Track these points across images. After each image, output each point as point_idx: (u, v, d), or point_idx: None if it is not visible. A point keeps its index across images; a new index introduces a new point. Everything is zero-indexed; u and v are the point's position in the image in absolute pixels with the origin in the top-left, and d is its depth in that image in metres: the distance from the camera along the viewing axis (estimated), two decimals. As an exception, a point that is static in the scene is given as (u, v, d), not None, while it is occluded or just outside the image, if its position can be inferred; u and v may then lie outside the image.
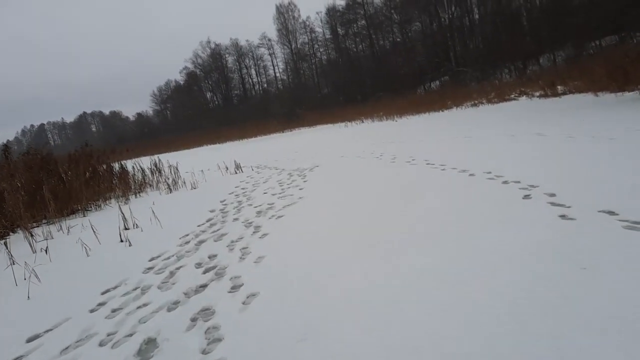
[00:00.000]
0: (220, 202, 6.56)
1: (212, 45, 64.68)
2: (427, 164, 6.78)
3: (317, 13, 59.56)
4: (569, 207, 3.46)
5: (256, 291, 2.86)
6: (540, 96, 17.86)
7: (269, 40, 63.33)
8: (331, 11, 55.84)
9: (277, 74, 65.46)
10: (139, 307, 2.97)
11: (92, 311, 3.03)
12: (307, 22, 60.18)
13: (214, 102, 67.51)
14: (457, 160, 6.64)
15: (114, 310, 2.99)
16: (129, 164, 11.18)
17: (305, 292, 2.71)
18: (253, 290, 2.88)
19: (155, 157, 13.37)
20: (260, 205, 5.74)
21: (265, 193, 6.69)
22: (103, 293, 3.36)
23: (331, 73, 54.83)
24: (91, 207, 7.88)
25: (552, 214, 3.36)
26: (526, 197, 3.97)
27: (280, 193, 6.44)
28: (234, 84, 66.15)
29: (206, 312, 2.68)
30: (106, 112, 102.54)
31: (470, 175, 5.38)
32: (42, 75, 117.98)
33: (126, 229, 5.64)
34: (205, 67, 66.08)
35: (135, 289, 3.35)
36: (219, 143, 33.46)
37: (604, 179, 4.13)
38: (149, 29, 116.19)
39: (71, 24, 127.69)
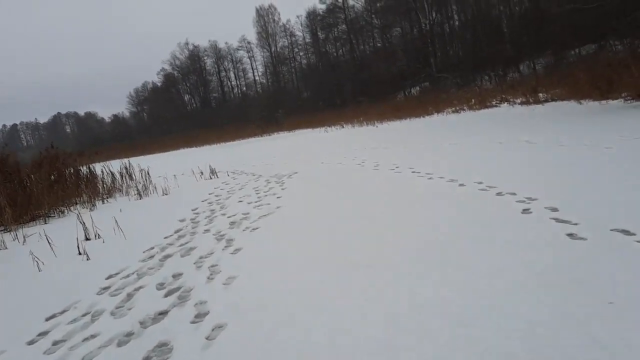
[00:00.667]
0: (192, 210, 6.12)
1: (191, 47, 63.83)
2: (413, 172, 6.46)
3: (298, 17, 59.19)
4: (576, 224, 3.14)
5: (223, 322, 2.45)
6: (521, 103, 17.82)
7: (249, 43, 62.78)
8: (311, 15, 55.57)
9: (257, 78, 64.92)
10: (85, 340, 2.53)
11: (30, 343, 2.59)
12: (287, 26, 59.88)
13: (192, 104, 66.52)
14: (445, 168, 6.34)
15: (55, 343, 2.55)
16: (100, 167, 10.62)
17: (282, 326, 2.31)
18: (220, 321, 2.47)
19: (127, 160, 12.85)
20: (234, 215, 5.33)
21: (240, 201, 6.27)
22: (48, 319, 2.91)
23: (311, 77, 54.49)
24: (54, 213, 7.34)
25: (558, 232, 3.04)
26: (525, 211, 3.65)
27: (256, 202, 6.03)
28: (212, 86, 65.33)
29: (162, 349, 2.26)
30: (81, 113, 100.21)
31: (461, 185, 5.07)
32: (14, 74, 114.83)
33: (87, 239, 5.17)
34: (183, 69, 65.10)
35: (85, 314, 2.91)
36: (196, 146, 32.77)
37: (610, 192, 3.85)
38: (125, 29, 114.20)
39: (44, 24, 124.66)
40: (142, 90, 72.86)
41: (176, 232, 4.92)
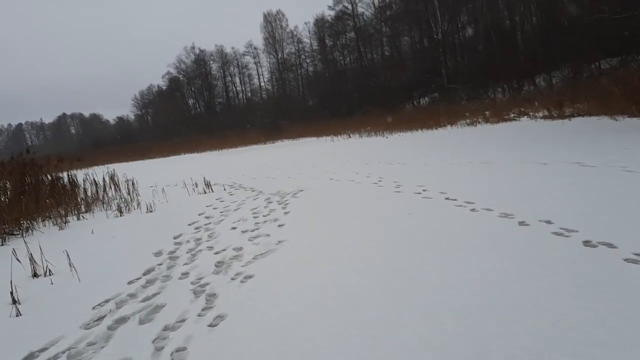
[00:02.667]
0: (174, 238, 4.97)
1: (197, 51, 62.94)
2: (447, 198, 5.29)
3: (306, 23, 58.27)
4: None
5: None
6: (544, 117, 16.66)
7: (255, 48, 61.91)
8: (320, 22, 54.72)
9: (262, 84, 64.01)
10: None
11: None
12: (295, 32, 59.04)
13: (197, 109, 65.59)
14: (487, 195, 5.16)
15: None
16: (86, 175, 9.50)
17: None
18: None
19: (117, 166, 11.79)
20: (223, 251, 4.17)
21: (233, 228, 5.11)
22: None
23: (317, 85, 53.53)
24: (18, 231, 6.20)
25: None
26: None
27: (252, 230, 4.87)
28: (217, 91, 64.41)
29: None
30: (86, 114, 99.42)
31: (522, 224, 3.88)
32: (21, 73, 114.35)
33: (35, 275, 4.03)
34: (188, 73, 64.20)
35: None
36: (197, 152, 31.68)
37: None
38: (132, 32, 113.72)
39: (50, 25, 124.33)
40: (147, 93, 72.19)
41: (146, 273, 3.76)
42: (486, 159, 8.34)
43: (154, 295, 3.20)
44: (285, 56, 59.45)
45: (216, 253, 4.13)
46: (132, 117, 75.39)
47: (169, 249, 4.51)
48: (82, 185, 8.82)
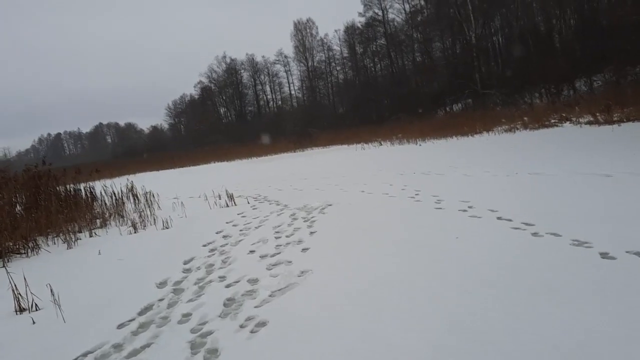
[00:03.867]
0: (184, 263, 4.36)
1: (228, 60, 63.47)
2: (499, 218, 4.48)
3: (336, 31, 57.89)
4: None
5: None
6: (588, 123, 15.50)
7: (285, 57, 61.93)
8: (350, 29, 54.39)
9: (292, 92, 63.94)
10: None
11: None
12: (325, 40, 58.78)
13: (228, 117, 65.97)
14: (549, 215, 4.33)
15: None
16: (107, 186, 9.09)
17: None
18: None
19: (139, 176, 11.41)
20: (236, 283, 3.52)
21: (251, 252, 4.46)
22: None
23: (348, 92, 52.99)
24: (24, 249, 5.73)
25: None
26: None
27: (273, 256, 4.20)
28: (248, 99, 64.69)
29: None
30: (122, 123, 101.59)
31: (604, 256, 3.06)
32: (59, 85, 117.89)
33: (19, 310, 3.48)
34: (219, 82, 64.76)
35: None
36: (227, 161, 31.40)
37: None
38: (165, 43, 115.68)
39: (87, 36, 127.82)
40: (179, 102, 73.09)
41: (142, 312, 3.15)
42: (535, 170, 7.44)
43: (143, 348, 2.56)
44: (315, 64, 59.31)
45: (227, 286, 3.48)
46: (165, 126, 76.50)
47: (175, 277, 3.90)
48: (100, 198, 8.41)
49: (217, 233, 5.68)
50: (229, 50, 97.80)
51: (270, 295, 3.14)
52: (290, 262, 3.91)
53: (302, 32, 59.36)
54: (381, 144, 23.50)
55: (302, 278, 3.43)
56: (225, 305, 3.09)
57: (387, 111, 42.52)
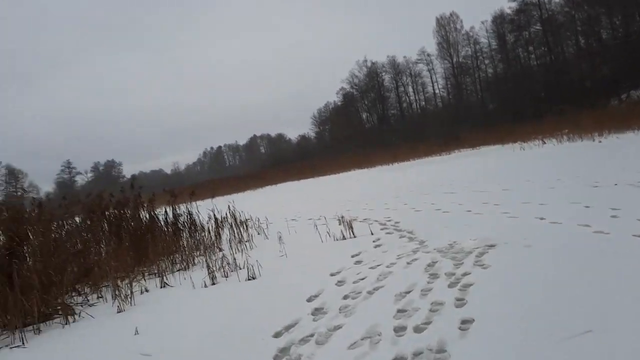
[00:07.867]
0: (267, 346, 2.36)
1: (369, 64, 62.09)
2: None
3: (482, 22, 52.63)
4: None
5: None
6: None
7: (428, 55, 58.33)
8: (498, 19, 48.98)
9: (436, 91, 60.09)
10: None
11: None
12: (471, 33, 54.05)
13: (370, 122, 64.73)
14: None
15: None
16: (205, 211, 7.69)
17: None
18: None
19: (264, 190, 9.99)
20: None
21: (365, 339, 2.30)
22: None
23: (498, 87, 47.89)
24: (59, 313, 4.20)
25: None
26: None
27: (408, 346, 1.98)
28: (390, 102, 62.66)
29: None
30: (273, 134, 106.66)
31: None
32: (218, 100, 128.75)
33: None
34: (361, 87, 63.81)
35: None
36: (367, 167, 29.59)
37: None
38: (309, 53, 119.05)
39: (234, 59, 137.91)
40: (324, 110, 73.83)
41: None
42: None
43: None
44: (460, 60, 54.98)
45: None
46: (312, 134, 77.96)
47: None
48: (199, 227, 6.97)
49: (319, 290, 3.64)
50: (370, 54, 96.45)
51: None
52: None
53: (446, 27, 55.53)
54: (544, 142, 19.46)
55: None
56: None
57: (545, 104, 37.01)
